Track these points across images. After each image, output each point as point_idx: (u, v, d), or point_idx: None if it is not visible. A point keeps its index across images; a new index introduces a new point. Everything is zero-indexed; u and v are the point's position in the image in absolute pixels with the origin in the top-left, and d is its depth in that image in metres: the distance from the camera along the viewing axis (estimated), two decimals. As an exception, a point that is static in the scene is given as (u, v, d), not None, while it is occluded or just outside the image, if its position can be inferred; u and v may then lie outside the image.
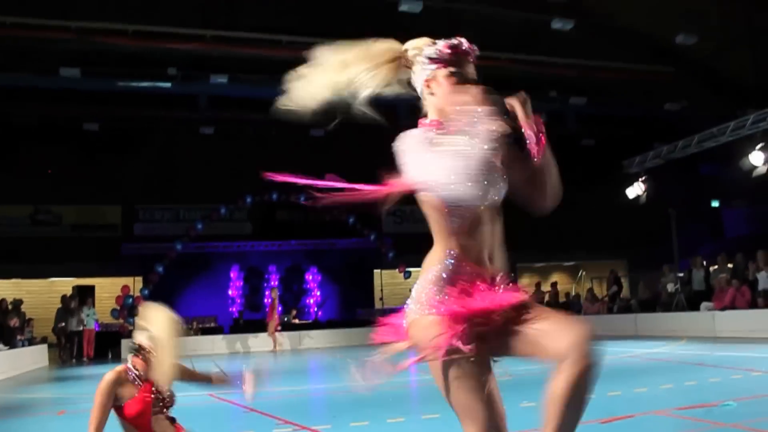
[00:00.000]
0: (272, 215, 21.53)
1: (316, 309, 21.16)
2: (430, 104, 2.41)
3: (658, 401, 6.20)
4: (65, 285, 19.60)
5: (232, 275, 20.91)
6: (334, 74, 2.47)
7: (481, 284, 2.20)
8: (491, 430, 2.13)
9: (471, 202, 2.15)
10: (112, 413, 3.60)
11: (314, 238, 21.04)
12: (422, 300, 2.23)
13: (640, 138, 20.85)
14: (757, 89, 17.72)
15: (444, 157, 2.12)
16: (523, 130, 2.22)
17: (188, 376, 3.86)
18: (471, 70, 2.40)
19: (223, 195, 20.09)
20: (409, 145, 2.27)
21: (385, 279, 22.03)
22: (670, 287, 16.16)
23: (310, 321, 20.31)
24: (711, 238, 21.47)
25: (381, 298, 21.71)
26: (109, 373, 3.71)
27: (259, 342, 17.60)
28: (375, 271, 22.18)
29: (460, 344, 2.07)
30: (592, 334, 2.08)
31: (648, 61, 19.53)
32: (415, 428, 5.55)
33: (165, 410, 3.64)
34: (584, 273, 22.01)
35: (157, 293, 18.94)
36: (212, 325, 18.94)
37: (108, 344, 17.66)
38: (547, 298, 19.39)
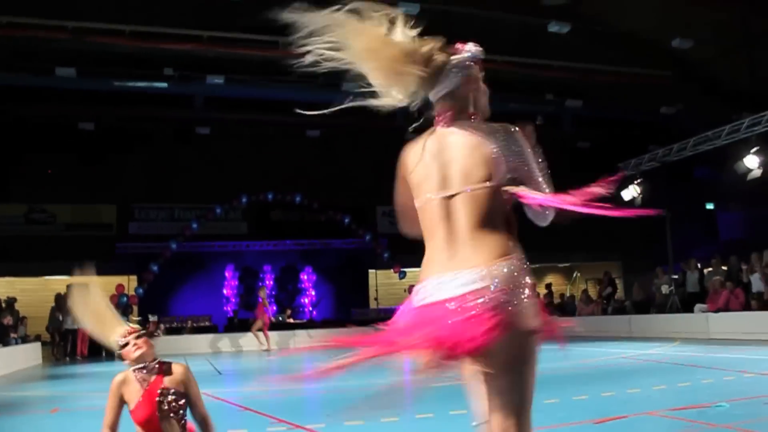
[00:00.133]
0: (267, 215, 21.54)
1: (310, 309, 21.16)
2: (468, 100, 2.46)
3: (652, 402, 6.22)
4: (59, 283, 19.55)
5: (227, 275, 20.89)
6: (359, 56, 2.41)
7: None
8: None
9: None
10: (129, 418, 3.60)
11: (309, 238, 21.05)
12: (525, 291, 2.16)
13: (635, 141, 20.91)
14: (752, 93, 17.78)
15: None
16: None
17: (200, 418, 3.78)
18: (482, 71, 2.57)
19: (218, 195, 20.08)
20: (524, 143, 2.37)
21: (380, 279, 22.04)
22: (665, 289, 16.21)
23: (304, 320, 20.31)
24: (705, 241, 21.53)
25: (376, 299, 21.72)
26: (118, 374, 3.73)
27: (253, 341, 17.59)
28: (370, 271, 22.19)
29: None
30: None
31: (644, 65, 19.58)
32: (410, 428, 5.56)
33: (174, 414, 3.60)
34: (579, 274, 22.07)
35: (152, 292, 18.98)
36: (207, 324, 18.92)
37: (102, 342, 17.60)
38: (542, 299, 19.43)
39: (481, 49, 2.48)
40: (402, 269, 21.00)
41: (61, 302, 17.32)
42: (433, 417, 5.78)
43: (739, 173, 15.68)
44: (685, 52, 18.21)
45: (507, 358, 2.08)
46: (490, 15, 17.05)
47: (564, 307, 19.39)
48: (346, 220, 20.69)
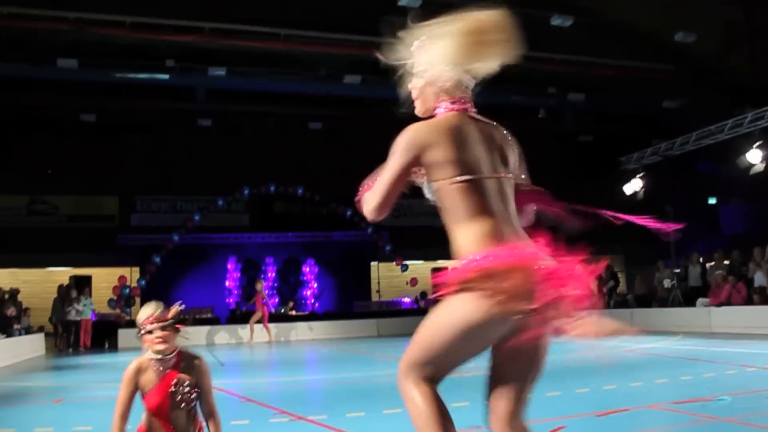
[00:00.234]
0: (269, 207, 21.55)
1: (312, 301, 21.19)
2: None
3: (654, 395, 6.24)
4: (62, 275, 19.61)
5: (229, 267, 20.92)
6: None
7: None
8: None
9: None
10: (141, 402, 3.62)
11: (311, 231, 21.05)
12: None
13: (638, 135, 20.88)
14: (755, 87, 17.74)
15: None
16: None
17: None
18: None
19: (220, 187, 20.09)
20: None
21: (381, 272, 22.07)
22: (667, 283, 16.21)
23: (306, 313, 20.35)
24: (708, 235, 21.52)
25: (378, 291, 21.75)
26: (132, 361, 3.73)
27: (255, 333, 17.65)
28: (372, 263, 22.22)
29: None
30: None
31: (647, 59, 19.53)
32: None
33: (185, 405, 3.62)
34: (580, 269, 22.02)
35: (154, 284, 18.99)
36: (209, 315, 18.96)
37: (105, 334, 17.70)
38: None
39: None
40: (404, 262, 21.02)
41: (64, 293, 17.38)
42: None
43: (741, 168, 15.67)
44: (688, 46, 18.17)
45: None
46: (492, 7, 17.01)
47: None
48: (348, 213, 20.66)
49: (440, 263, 21.24)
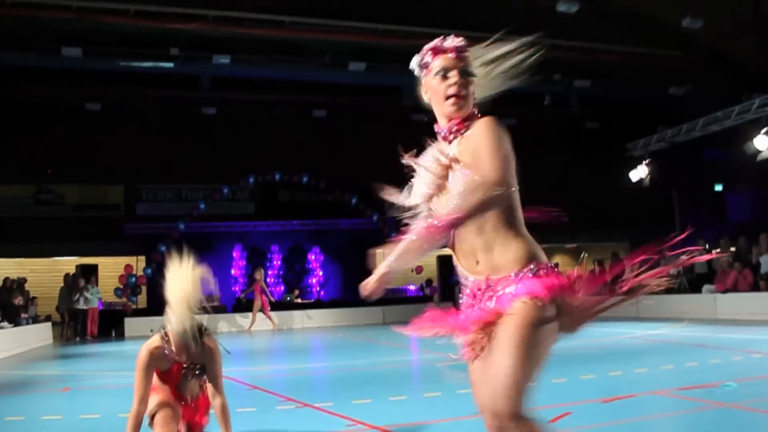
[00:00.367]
0: (275, 195, 21.54)
1: (318, 289, 21.23)
2: (434, 109, 2.47)
3: (659, 381, 6.24)
4: (68, 264, 19.68)
5: (234, 255, 20.96)
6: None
7: (469, 295, 2.33)
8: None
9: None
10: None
11: (317, 218, 21.05)
12: None
13: (644, 121, 20.77)
14: (762, 73, 17.61)
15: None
16: None
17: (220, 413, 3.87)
18: (458, 65, 2.37)
19: (225, 175, 20.09)
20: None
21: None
22: (672, 270, 16.18)
23: (312, 300, 20.40)
24: (714, 222, 21.46)
25: (383, 279, 21.72)
26: (143, 348, 3.78)
27: (261, 321, 17.71)
28: (377, 251, 22.19)
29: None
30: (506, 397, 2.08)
31: (653, 45, 19.39)
32: (417, 406, 5.60)
33: (193, 373, 3.74)
34: (586, 255, 22.02)
35: (161, 273, 19.00)
36: (215, 304, 19.03)
37: (111, 323, 17.78)
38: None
39: (423, 51, 2.43)
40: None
41: (70, 282, 17.45)
42: (441, 396, 5.82)
43: (748, 154, 15.59)
44: (695, 32, 18.03)
45: None
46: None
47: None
48: (354, 200, 20.68)
49: (446, 251, 21.19)
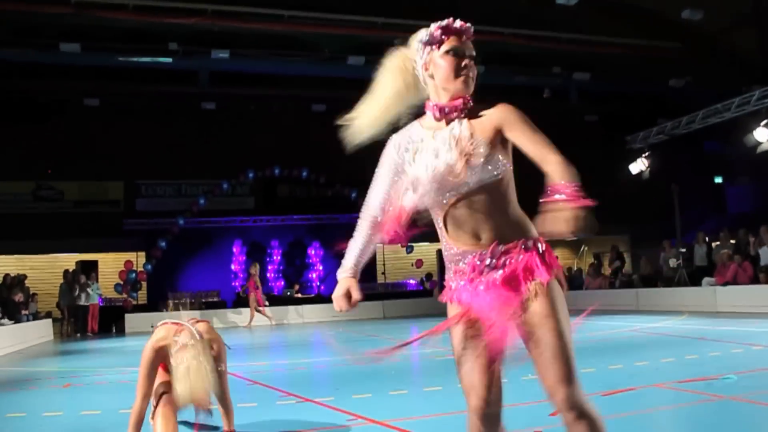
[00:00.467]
0: (274, 190, 21.55)
1: (318, 283, 21.24)
2: (430, 87, 2.46)
3: (659, 374, 6.24)
4: (68, 260, 19.67)
5: (234, 250, 20.97)
6: (380, 120, 2.52)
7: (468, 268, 2.34)
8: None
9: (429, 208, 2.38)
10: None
11: (317, 213, 21.06)
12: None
13: (644, 114, 20.75)
14: (762, 65, 17.59)
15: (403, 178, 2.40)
16: None
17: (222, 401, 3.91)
18: (468, 47, 2.41)
19: (225, 170, 20.08)
20: (384, 156, 2.49)
21: (386, 254, 22.09)
22: (672, 262, 16.17)
23: (312, 295, 20.42)
24: (714, 214, 21.46)
25: (383, 273, 21.79)
26: (148, 346, 3.78)
27: (260, 316, 17.73)
28: (377, 245, 22.20)
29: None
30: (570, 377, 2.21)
31: (653, 37, 19.36)
32: (417, 400, 5.60)
33: None
34: (586, 248, 22.06)
35: (161, 268, 19.07)
36: (215, 299, 19.05)
37: (111, 319, 17.80)
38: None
39: (434, 28, 2.42)
40: (409, 243, 21.03)
41: (70, 278, 17.45)
42: (441, 390, 5.82)
43: (748, 146, 15.57)
44: (695, 24, 17.98)
45: None
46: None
47: (571, 281, 19.40)
48: (353, 195, 20.67)
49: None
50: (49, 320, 16.62)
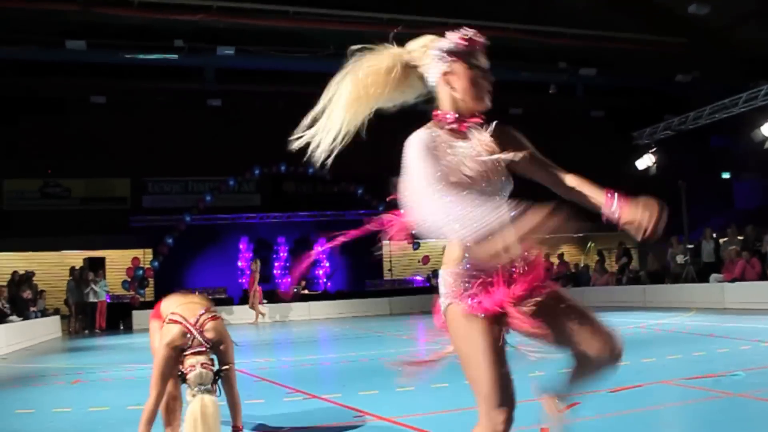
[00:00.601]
0: (280, 187, 21.57)
1: (325, 280, 21.27)
2: (446, 96, 2.42)
3: (667, 371, 6.23)
4: (76, 257, 19.74)
5: (241, 247, 21.01)
6: (351, 113, 2.51)
7: (500, 274, 2.26)
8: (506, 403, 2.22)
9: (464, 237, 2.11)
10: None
11: (323, 210, 21.08)
12: (446, 292, 2.33)
13: (650, 109, 20.66)
14: (770, 60, 17.49)
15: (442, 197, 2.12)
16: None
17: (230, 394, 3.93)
18: (484, 61, 2.42)
19: (231, 167, 20.10)
20: (414, 156, 2.28)
21: (393, 250, 22.10)
22: (680, 259, 16.13)
23: (319, 292, 20.44)
24: (721, 210, 21.37)
25: (390, 270, 21.80)
26: (161, 344, 3.79)
27: (268, 312, 17.77)
28: (384, 242, 22.19)
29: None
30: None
31: (659, 32, 19.26)
32: (425, 397, 5.60)
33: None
34: (592, 245, 22.01)
35: (168, 265, 19.12)
36: (222, 296, 19.09)
37: (119, 315, 17.87)
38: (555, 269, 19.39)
39: (458, 39, 2.37)
40: (416, 240, 21.03)
41: (77, 275, 17.51)
42: (448, 387, 5.82)
43: (755, 141, 15.51)
44: (701, 19, 17.88)
45: None
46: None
47: (578, 278, 19.37)
48: (359, 191, 20.68)
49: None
50: (57, 317, 16.69)
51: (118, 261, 20.31)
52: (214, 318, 3.95)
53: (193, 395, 3.60)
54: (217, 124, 20.32)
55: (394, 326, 14.32)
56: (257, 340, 13.21)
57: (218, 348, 3.87)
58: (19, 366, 9.86)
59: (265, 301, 18.01)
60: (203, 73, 19.36)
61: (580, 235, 24.90)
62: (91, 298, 17.11)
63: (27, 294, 14.73)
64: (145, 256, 19.85)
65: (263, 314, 17.47)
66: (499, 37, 17.36)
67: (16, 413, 5.68)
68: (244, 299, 19.07)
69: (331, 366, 8.72)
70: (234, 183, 20.66)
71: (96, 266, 18.33)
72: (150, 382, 3.71)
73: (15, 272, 15.87)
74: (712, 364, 6.46)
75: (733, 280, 13.96)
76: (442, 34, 2.43)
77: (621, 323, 11.43)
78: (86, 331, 16.85)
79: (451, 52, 2.38)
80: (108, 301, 17.75)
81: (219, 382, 3.78)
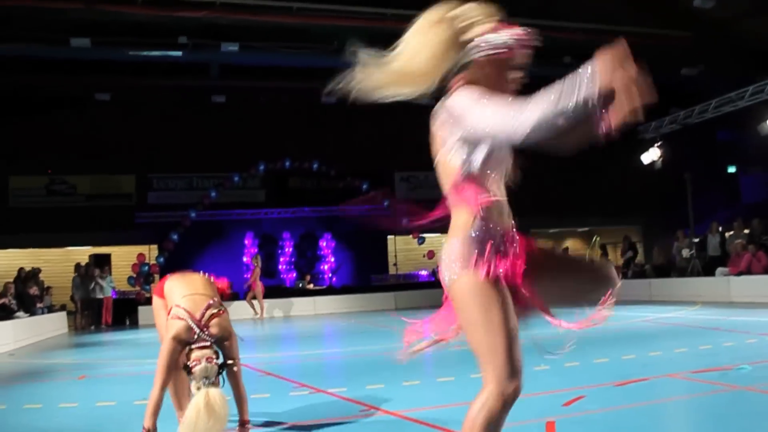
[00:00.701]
0: (285, 182, 21.59)
1: (330, 275, 21.30)
2: (476, 73, 2.44)
3: (673, 365, 6.22)
4: (82, 254, 19.82)
5: (246, 242, 21.04)
6: (402, 87, 2.49)
7: (507, 242, 2.31)
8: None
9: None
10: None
11: (328, 205, 21.09)
12: (458, 260, 2.26)
13: (656, 103, 20.52)
14: (777, 53, 17.40)
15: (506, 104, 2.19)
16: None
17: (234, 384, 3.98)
18: (525, 62, 2.52)
19: (236, 163, 20.13)
20: (475, 95, 2.27)
21: (398, 245, 22.10)
22: (686, 253, 16.10)
23: (324, 287, 20.47)
24: (727, 204, 21.30)
25: (395, 264, 21.81)
26: (166, 337, 3.80)
27: (272, 307, 17.79)
28: (389, 237, 22.25)
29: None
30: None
31: (665, 26, 19.16)
32: (431, 391, 5.61)
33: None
34: (598, 238, 21.97)
35: (173, 261, 19.15)
36: (227, 291, 19.11)
37: (125, 311, 17.94)
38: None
39: (520, 36, 2.44)
40: (421, 234, 21.03)
41: (83, 272, 17.57)
42: (454, 380, 5.83)
43: (762, 135, 15.45)
44: (707, 12, 17.79)
45: None
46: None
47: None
48: (365, 186, 20.68)
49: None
50: (64, 313, 16.75)
51: (123, 257, 20.38)
52: (219, 313, 3.96)
53: (198, 388, 3.61)
54: (221, 121, 20.35)
55: (400, 321, 14.32)
56: (262, 335, 13.24)
57: (222, 343, 3.89)
58: (26, 361, 9.90)
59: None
60: (208, 70, 19.36)
61: (586, 229, 24.87)
62: (97, 294, 17.18)
63: (33, 290, 14.80)
64: (150, 252, 19.91)
65: (257, 313, 17.47)
66: (503, 32, 17.30)
67: (24, 408, 5.71)
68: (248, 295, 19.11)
69: (337, 360, 8.74)
70: (239, 179, 20.69)
71: (102, 262, 18.39)
72: (155, 373, 3.73)
73: (21, 269, 15.94)
74: (718, 358, 6.45)
75: (739, 274, 13.93)
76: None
77: (627, 317, 11.42)
78: (92, 327, 16.91)
79: (501, 45, 2.42)
80: (114, 297, 17.81)
81: (223, 374, 3.80)
